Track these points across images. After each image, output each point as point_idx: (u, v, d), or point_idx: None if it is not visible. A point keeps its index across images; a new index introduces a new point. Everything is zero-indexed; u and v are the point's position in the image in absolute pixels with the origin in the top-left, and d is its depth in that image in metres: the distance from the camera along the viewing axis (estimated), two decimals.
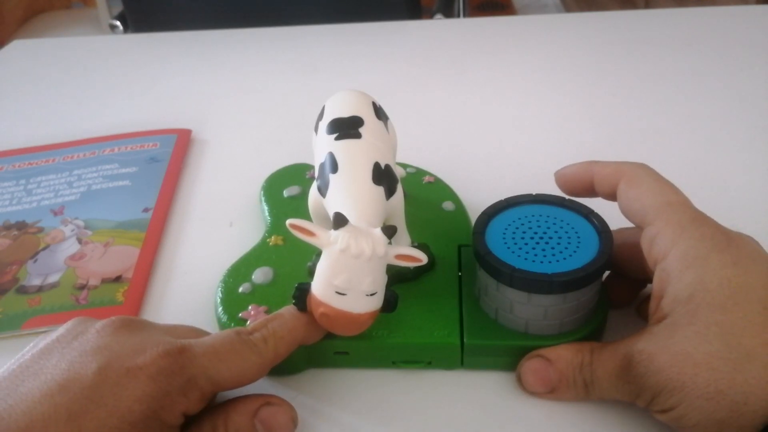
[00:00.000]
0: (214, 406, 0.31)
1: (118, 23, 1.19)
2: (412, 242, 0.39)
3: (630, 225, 0.34)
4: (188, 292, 0.42)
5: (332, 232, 0.31)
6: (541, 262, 0.33)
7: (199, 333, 0.33)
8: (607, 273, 0.36)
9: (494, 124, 0.59)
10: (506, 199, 0.37)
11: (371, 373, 0.36)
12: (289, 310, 0.33)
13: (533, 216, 0.36)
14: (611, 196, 0.34)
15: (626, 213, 0.33)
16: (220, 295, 0.38)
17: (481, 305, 0.36)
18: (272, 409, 0.31)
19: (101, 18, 1.82)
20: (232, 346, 0.30)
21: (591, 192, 0.35)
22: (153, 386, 0.27)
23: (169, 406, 0.28)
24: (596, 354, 0.32)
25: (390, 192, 0.35)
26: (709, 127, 0.56)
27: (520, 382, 0.34)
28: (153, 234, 0.47)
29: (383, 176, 0.34)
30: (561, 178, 0.36)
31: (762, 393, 0.27)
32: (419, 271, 0.38)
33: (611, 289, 0.37)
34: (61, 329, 0.30)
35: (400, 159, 0.43)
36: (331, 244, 0.31)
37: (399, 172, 0.41)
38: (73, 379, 0.27)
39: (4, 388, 0.27)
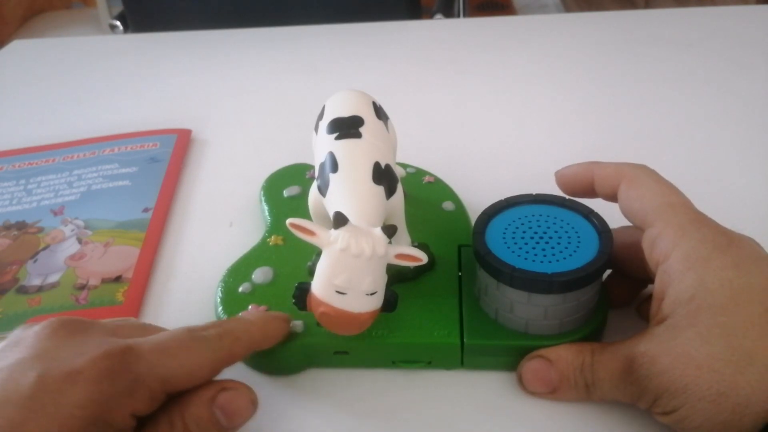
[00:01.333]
0: (169, 402, 0.30)
1: (118, 23, 1.19)
2: (412, 242, 0.39)
3: (630, 224, 0.34)
4: (188, 292, 0.42)
5: (332, 231, 0.31)
6: (541, 262, 0.33)
7: (147, 330, 0.32)
8: (607, 273, 0.36)
9: (494, 124, 0.59)
10: (506, 199, 0.37)
11: (371, 373, 0.36)
12: (245, 314, 0.33)
13: (533, 216, 0.36)
14: (611, 197, 0.34)
15: (627, 214, 0.33)
16: (220, 295, 0.38)
17: (481, 305, 0.36)
18: (230, 394, 0.30)
19: (101, 18, 1.82)
20: (182, 341, 0.29)
21: (591, 193, 0.35)
22: (95, 390, 0.26)
23: (115, 409, 0.27)
24: (597, 355, 0.32)
25: (390, 192, 0.34)
26: (709, 127, 0.56)
27: (521, 383, 0.34)
28: (153, 234, 0.47)
29: (383, 176, 0.34)
30: (561, 179, 0.36)
31: (764, 395, 0.27)
32: (419, 271, 0.38)
33: (611, 289, 0.37)
34: (6, 339, 0.29)
35: (400, 159, 0.43)
36: (332, 244, 0.31)
37: (399, 172, 0.41)
38: (13, 390, 0.26)
39: None
